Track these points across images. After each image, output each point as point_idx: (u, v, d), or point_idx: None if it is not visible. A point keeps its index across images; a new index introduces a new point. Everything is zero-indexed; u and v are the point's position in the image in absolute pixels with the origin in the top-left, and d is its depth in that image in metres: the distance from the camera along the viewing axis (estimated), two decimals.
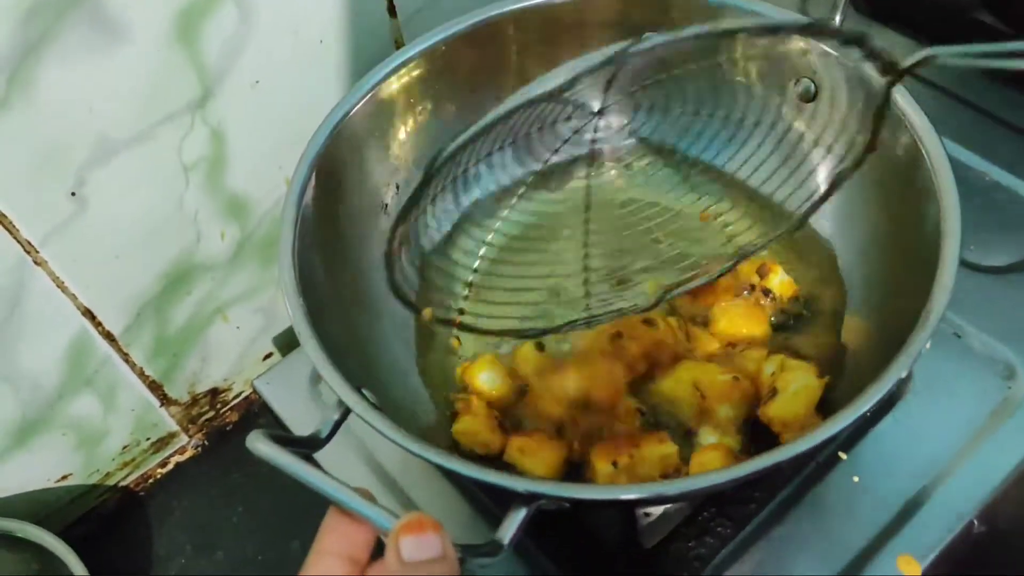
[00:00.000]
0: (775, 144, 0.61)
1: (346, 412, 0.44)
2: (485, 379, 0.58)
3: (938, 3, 0.78)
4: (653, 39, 0.41)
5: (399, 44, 0.68)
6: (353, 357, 0.51)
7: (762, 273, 0.61)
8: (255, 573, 0.71)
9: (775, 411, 0.53)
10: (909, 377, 0.60)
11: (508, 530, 0.38)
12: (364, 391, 0.45)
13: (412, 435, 0.42)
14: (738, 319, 0.59)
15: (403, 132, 0.62)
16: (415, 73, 0.61)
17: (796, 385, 0.52)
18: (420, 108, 0.63)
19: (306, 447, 0.41)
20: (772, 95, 0.61)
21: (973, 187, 0.69)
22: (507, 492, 0.40)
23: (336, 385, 0.44)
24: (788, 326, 0.60)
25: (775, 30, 0.46)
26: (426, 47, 0.61)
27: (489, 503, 0.57)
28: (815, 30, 0.48)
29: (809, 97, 0.61)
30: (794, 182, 0.59)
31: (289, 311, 0.47)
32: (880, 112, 0.49)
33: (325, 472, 0.37)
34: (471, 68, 0.63)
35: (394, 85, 0.60)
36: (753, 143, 0.62)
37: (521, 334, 0.55)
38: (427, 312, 0.53)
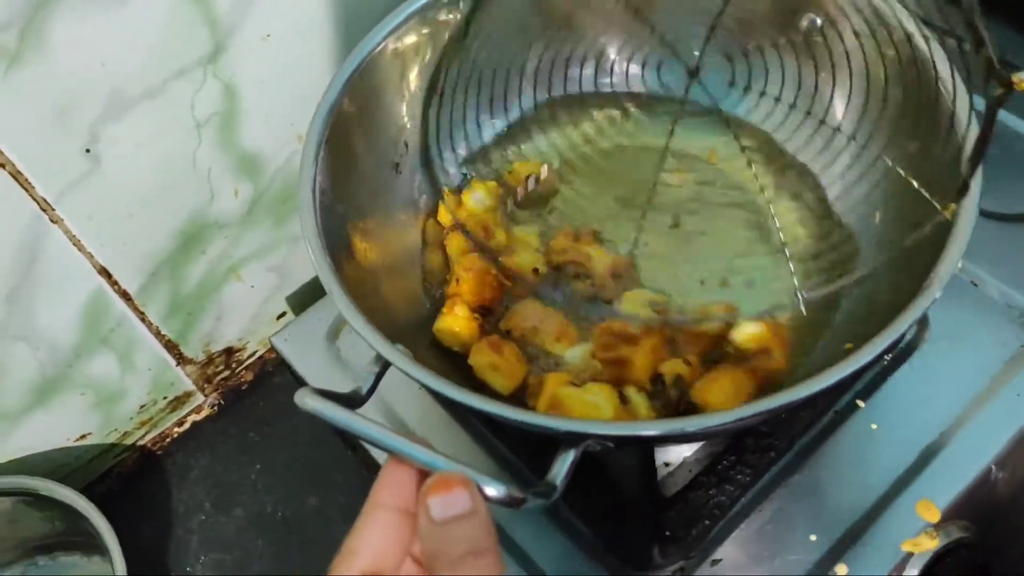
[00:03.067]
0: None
1: (384, 367, 0.44)
2: (476, 199, 0.60)
3: None
4: None
5: None
6: (377, 312, 0.51)
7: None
8: (274, 529, 0.72)
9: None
10: (926, 325, 0.60)
11: (559, 472, 0.39)
12: (398, 346, 0.45)
13: (449, 382, 0.42)
14: (721, 394, 0.51)
15: (413, 87, 0.61)
16: (421, 24, 0.60)
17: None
18: (428, 61, 0.62)
19: (348, 404, 0.41)
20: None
21: None
22: (552, 435, 0.40)
23: (374, 341, 0.44)
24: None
25: None
26: None
27: (511, 455, 0.57)
28: None
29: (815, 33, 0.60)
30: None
31: (319, 271, 0.47)
32: (982, 138, 0.45)
33: (381, 424, 0.37)
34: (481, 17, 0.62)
35: (401, 37, 0.59)
36: None
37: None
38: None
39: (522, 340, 0.55)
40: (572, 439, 0.40)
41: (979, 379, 0.58)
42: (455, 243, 0.60)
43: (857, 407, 0.57)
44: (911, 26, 0.54)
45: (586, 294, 0.57)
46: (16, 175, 0.53)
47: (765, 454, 0.55)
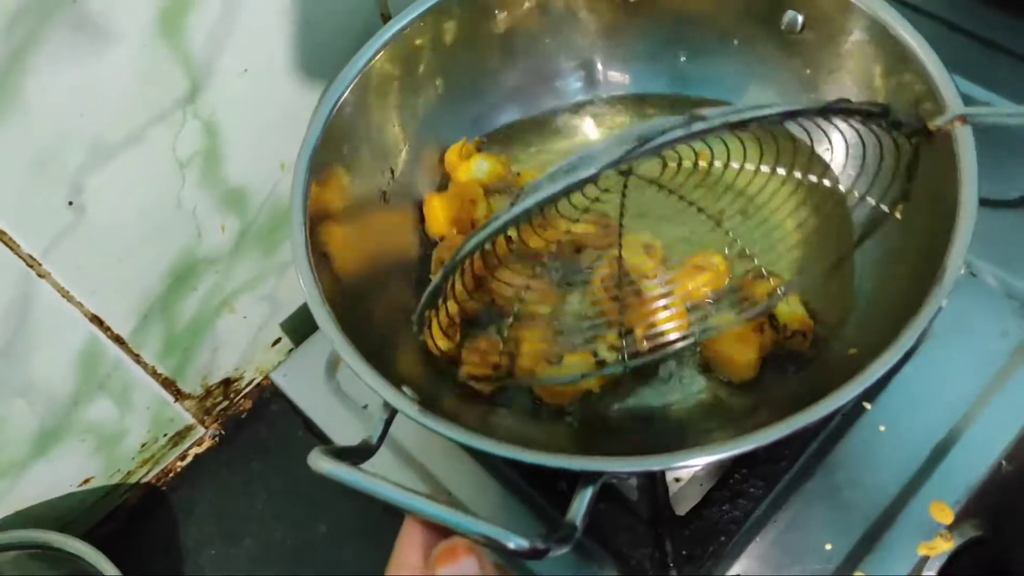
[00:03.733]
0: None
1: (393, 413, 0.44)
2: (479, 167, 0.62)
3: None
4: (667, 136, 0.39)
5: (385, 17, 0.66)
6: (374, 349, 0.50)
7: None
8: (285, 559, 0.71)
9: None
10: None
11: (578, 511, 0.38)
12: (404, 388, 0.44)
13: (461, 427, 0.42)
14: (727, 337, 0.53)
15: (394, 113, 0.60)
16: (401, 49, 0.59)
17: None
18: (409, 86, 0.61)
19: (359, 456, 0.41)
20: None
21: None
22: (566, 473, 0.40)
23: (380, 389, 0.43)
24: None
25: (792, 115, 0.43)
26: (412, 19, 0.59)
27: (531, 490, 0.57)
28: (833, 110, 0.45)
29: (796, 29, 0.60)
30: None
31: (320, 323, 0.47)
32: (911, 168, 0.49)
33: (397, 484, 0.37)
34: (460, 39, 0.61)
35: (381, 64, 0.59)
36: None
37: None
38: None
39: (505, 307, 0.56)
40: (588, 477, 0.40)
41: (984, 372, 0.58)
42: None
43: (864, 409, 0.57)
44: None
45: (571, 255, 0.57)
46: (0, 235, 0.52)
47: (776, 464, 0.55)
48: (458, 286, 0.49)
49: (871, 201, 0.52)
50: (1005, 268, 0.61)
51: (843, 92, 0.59)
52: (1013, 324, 0.59)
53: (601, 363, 0.54)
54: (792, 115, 0.42)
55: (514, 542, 0.36)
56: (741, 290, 0.56)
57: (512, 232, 0.45)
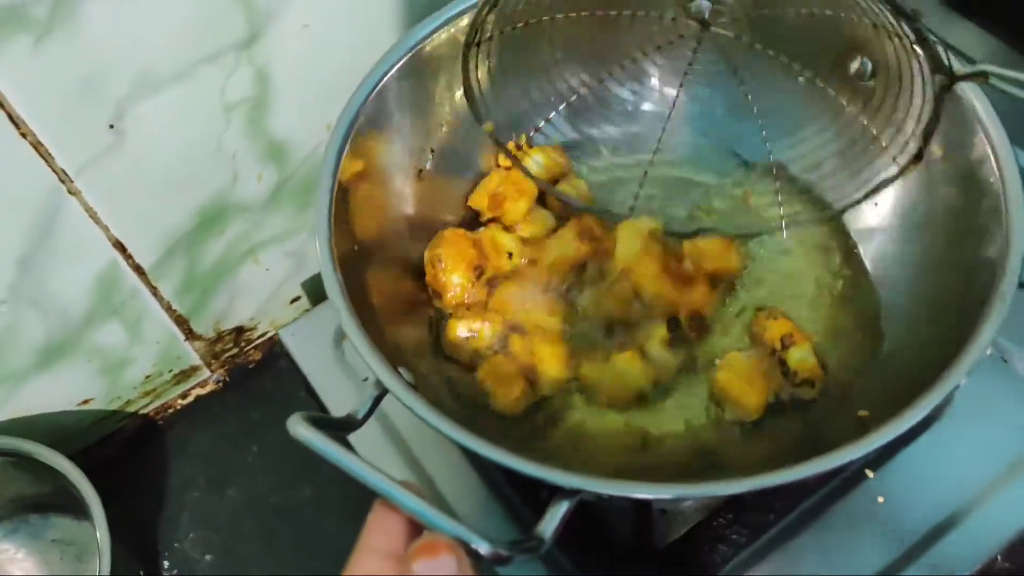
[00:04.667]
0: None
1: (383, 392, 0.43)
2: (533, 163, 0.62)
3: None
4: None
5: None
6: (382, 327, 0.50)
7: (786, 343, 0.54)
8: (266, 515, 0.71)
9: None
10: (948, 399, 0.58)
11: (550, 524, 0.38)
12: (401, 370, 0.44)
13: (450, 419, 0.41)
14: (735, 378, 0.53)
15: (446, 92, 0.59)
16: (462, 30, 0.58)
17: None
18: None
19: (343, 428, 0.41)
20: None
21: None
22: (546, 484, 0.39)
23: (374, 364, 0.43)
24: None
25: None
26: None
27: (514, 495, 0.56)
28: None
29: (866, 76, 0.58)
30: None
31: (328, 288, 0.46)
32: (933, 118, 0.50)
33: (372, 465, 0.36)
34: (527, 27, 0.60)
35: (440, 40, 0.58)
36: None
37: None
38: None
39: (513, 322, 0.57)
40: (565, 492, 0.39)
41: (997, 461, 0.56)
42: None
43: (866, 476, 0.55)
44: None
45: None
46: (37, 145, 0.52)
47: (765, 515, 0.54)
48: None
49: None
50: None
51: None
52: None
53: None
54: None
55: (479, 544, 0.35)
56: None
57: None
